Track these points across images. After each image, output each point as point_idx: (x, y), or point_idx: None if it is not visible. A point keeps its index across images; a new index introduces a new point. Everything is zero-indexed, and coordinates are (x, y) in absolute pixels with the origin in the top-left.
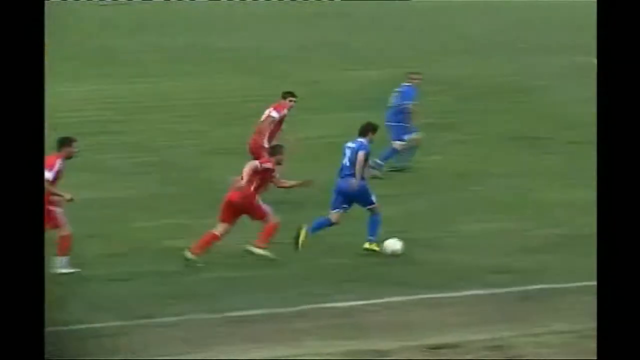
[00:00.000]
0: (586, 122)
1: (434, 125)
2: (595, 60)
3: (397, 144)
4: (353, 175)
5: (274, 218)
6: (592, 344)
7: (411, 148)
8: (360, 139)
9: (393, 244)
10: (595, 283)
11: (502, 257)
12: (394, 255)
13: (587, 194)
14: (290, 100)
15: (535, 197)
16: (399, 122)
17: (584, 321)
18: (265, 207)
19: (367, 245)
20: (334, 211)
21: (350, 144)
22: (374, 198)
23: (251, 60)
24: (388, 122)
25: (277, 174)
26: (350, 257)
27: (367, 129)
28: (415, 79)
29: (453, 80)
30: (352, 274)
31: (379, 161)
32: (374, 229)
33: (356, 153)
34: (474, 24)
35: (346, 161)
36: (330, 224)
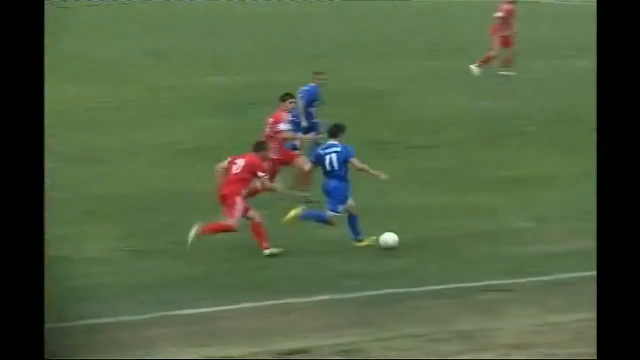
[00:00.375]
0: (433, 127)
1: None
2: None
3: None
4: (341, 177)
5: (237, 224)
6: (442, 347)
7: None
8: (335, 142)
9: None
10: (441, 287)
11: (354, 262)
12: (387, 249)
13: (435, 198)
14: (291, 102)
15: (385, 202)
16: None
17: (433, 325)
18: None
19: (358, 244)
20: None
21: (329, 150)
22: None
23: (106, 65)
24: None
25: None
26: (204, 265)
27: (338, 130)
28: (320, 79)
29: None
30: (204, 281)
31: None
32: (356, 227)
33: (345, 158)
34: (333, 29)
35: (331, 165)
36: (327, 223)
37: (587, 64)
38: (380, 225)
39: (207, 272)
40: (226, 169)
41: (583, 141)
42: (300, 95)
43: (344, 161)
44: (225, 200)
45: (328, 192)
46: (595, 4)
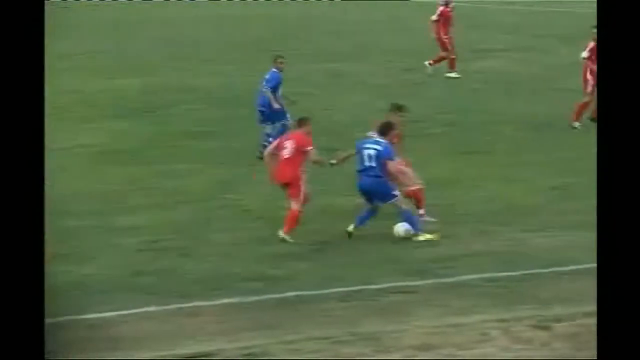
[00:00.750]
0: (338, 129)
1: (188, 133)
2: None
3: (269, 128)
4: (378, 175)
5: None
6: (346, 349)
7: (281, 132)
8: (380, 139)
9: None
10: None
11: (256, 264)
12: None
13: (341, 200)
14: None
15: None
16: (270, 108)
17: (338, 327)
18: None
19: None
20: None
21: (370, 145)
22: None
23: None
24: (260, 108)
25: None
26: (109, 269)
27: (389, 128)
28: (279, 62)
29: (209, 88)
30: (106, 284)
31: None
32: (414, 222)
33: (383, 158)
34: (237, 33)
35: (369, 161)
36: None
37: (492, 64)
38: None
39: (111, 275)
40: (276, 153)
41: (485, 143)
42: (266, 85)
43: (381, 159)
44: (289, 185)
45: (369, 192)
46: (489, 6)
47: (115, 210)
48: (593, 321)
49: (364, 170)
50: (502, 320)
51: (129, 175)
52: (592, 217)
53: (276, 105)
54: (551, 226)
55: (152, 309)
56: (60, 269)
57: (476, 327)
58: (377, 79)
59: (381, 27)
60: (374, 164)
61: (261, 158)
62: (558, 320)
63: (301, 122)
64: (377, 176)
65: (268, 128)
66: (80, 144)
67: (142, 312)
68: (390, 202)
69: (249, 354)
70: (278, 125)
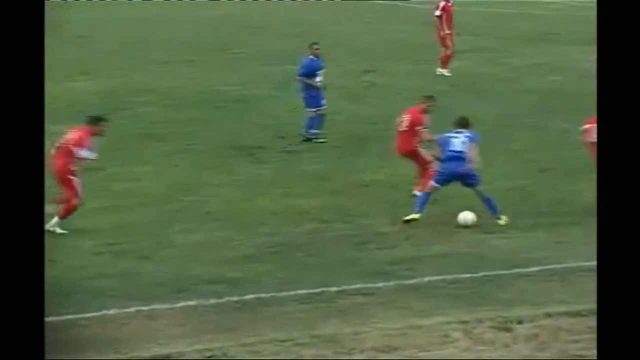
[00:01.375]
0: (297, 131)
1: (145, 135)
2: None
3: (311, 113)
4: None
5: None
6: (307, 351)
7: (320, 116)
8: (465, 131)
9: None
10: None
11: (216, 267)
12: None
13: (300, 202)
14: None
15: (249, 207)
16: (308, 93)
17: (298, 329)
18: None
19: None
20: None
21: (459, 135)
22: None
23: None
24: (300, 94)
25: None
26: (65, 270)
27: (465, 123)
28: (315, 49)
29: (165, 90)
30: (65, 287)
31: (309, 131)
32: (493, 206)
33: (470, 143)
34: (188, 34)
35: (461, 147)
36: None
37: (458, 66)
38: (244, 230)
39: (70, 278)
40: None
41: None
42: (299, 72)
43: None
44: (410, 156)
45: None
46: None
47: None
48: (554, 322)
49: (457, 155)
50: (464, 322)
51: (86, 178)
52: (551, 219)
53: (311, 92)
54: (511, 228)
55: (112, 312)
56: None
57: (438, 329)
58: (339, 81)
59: (340, 28)
60: (467, 150)
61: (306, 140)
62: (519, 321)
63: (425, 99)
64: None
65: (311, 113)
66: None
67: (102, 315)
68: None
69: (209, 357)
70: (313, 110)
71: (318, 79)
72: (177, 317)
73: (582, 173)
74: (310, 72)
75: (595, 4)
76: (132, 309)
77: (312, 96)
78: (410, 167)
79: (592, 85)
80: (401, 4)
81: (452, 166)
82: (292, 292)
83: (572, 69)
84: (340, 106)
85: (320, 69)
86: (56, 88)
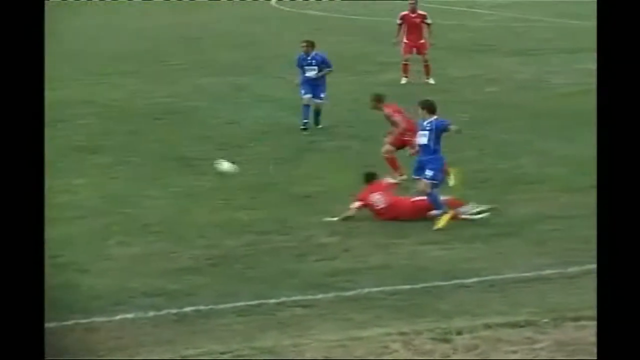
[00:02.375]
0: (236, 142)
1: (81, 148)
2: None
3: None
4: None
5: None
6: None
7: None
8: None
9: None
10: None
11: (155, 279)
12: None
13: (238, 214)
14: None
15: (188, 219)
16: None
17: (237, 341)
18: None
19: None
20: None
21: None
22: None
23: None
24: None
25: None
26: None
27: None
28: (302, 47)
29: (104, 102)
30: None
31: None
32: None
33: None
34: (126, 45)
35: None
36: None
37: (393, 77)
38: (179, 242)
39: None
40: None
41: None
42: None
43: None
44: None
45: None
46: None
47: None
48: (493, 333)
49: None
50: (403, 333)
51: None
52: (490, 230)
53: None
54: (450, 239)
55: (51, 325)
56: None
57: (377, 340)
58: (278, 92)
59: (279, 39)
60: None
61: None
62: (458, 332)
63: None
64: None
65: (307, 101)
66: None
67: None
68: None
69: None
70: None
71: (309, 73)
72: (116, 330)
73: (521, 184)
74: (298, 66)
75: (526, 17)
76: (71, 322)
77: (309, 87)
78: (350, 179)
79: (529, 95)
80: (335, 15)
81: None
82: (230, 305)
83: (508, 80)
84: (278, 117)
85: (306, 64)
86: None
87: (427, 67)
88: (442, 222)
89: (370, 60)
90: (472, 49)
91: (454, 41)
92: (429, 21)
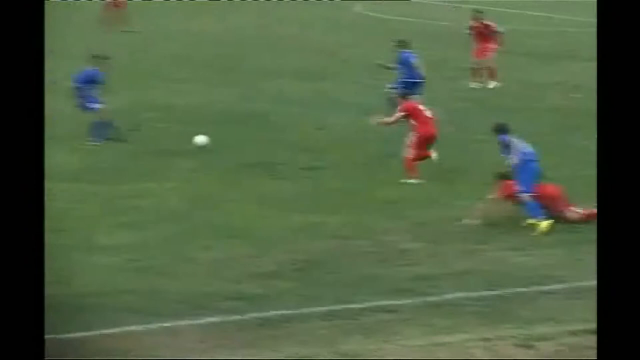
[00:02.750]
0: (319, 147)
1: (163, 152)
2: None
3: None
4: None
5: None
6: None
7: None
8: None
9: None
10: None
11: (238, 283)
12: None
13: (322, 219)
14: None
15: (270, 223)
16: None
17: (319, 346)
18: None
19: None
20: None
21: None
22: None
23: None
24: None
25: None
26: (84, 287)
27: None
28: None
29: (184, 107)
30: (86, 303)
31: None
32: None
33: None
34: (196, 51)
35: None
36: None
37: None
38: (262, 246)
39: (92, 294)
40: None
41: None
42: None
43: None
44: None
45: None
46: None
47: (92, 230)
48: (576, 340)
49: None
50: (486, 339)
51: (105, 195)
52: (572, 236)
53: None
54: (533, 245)
55: (133, 327)
56: None
57: (460, 346)
58: (359, 98)
59: (355, 43)
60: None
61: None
62: (541, 339)
63: None
64: None
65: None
66: (56, 162)
67: (124, 331)
68: None
69: None
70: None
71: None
72: (199, 333)
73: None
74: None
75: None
76: (154, 325)
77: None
78: (433, 185)
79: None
80: (414, 20)
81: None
82: (314, 309)
83: (592, 86)
84: (360, 122)
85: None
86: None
87: (489, 71)
88: (540, 227)
89: (451, 66)
90: (553, 55)
91: (534, 47)
92: (498, 29)
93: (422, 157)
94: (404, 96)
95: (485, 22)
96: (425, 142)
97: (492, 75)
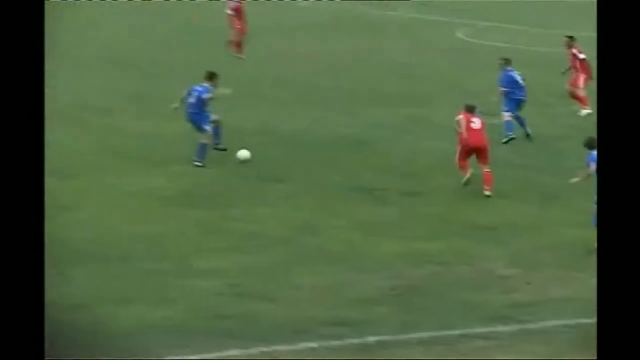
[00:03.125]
0: (419, 172)
1: (265, 177)
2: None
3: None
4: None
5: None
6: None
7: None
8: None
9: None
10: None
11: (337, 309)
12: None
13: (421, 245)
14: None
15: (370, 249)
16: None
17: None
18: None
19: None
20: None
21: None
22: None
23: None
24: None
25: None
26: (183, 311)
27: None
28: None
29: (283, 131)
30: (185, 327)
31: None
32: None
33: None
34: (293, 72)
35: None
36: None
37: (575, 108)
38: (362, 272)
39: (190, 318)
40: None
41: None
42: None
43: None
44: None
45: None
46: None
47: (192, 254)
48: None
49: None
50: None
51: (205, 219)
52: None
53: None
54: None
55: (232, 352)
56: (134, 311)
57: None
58: (452, 123)
59: (450, 69)
60: None
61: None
62: None
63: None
64: None
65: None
66: (154, 186)
67: (222, 356)
68: None
69: None
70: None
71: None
72: (299, 358)
73: None
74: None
75: None
76: (254, 350)
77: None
78: (533, 211)
79: None
80: (512, 46)
81: None
82: (412, 335)
83: None
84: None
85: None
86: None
87: (577, 99)
88: None
89: (549, 92)
90: None
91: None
92: (581, 56)
93: (462, 167)
94: (516, 116)
95: (573, 50)
96: (467, 153)
97: (584, 102)
